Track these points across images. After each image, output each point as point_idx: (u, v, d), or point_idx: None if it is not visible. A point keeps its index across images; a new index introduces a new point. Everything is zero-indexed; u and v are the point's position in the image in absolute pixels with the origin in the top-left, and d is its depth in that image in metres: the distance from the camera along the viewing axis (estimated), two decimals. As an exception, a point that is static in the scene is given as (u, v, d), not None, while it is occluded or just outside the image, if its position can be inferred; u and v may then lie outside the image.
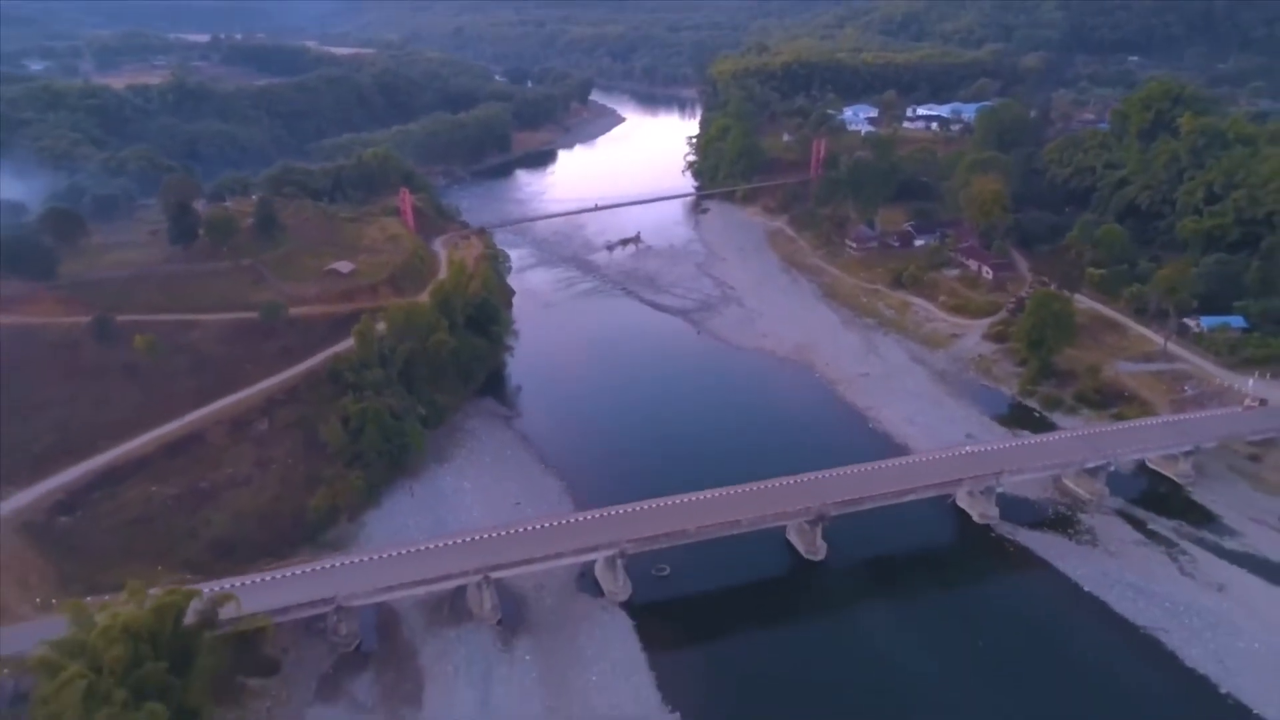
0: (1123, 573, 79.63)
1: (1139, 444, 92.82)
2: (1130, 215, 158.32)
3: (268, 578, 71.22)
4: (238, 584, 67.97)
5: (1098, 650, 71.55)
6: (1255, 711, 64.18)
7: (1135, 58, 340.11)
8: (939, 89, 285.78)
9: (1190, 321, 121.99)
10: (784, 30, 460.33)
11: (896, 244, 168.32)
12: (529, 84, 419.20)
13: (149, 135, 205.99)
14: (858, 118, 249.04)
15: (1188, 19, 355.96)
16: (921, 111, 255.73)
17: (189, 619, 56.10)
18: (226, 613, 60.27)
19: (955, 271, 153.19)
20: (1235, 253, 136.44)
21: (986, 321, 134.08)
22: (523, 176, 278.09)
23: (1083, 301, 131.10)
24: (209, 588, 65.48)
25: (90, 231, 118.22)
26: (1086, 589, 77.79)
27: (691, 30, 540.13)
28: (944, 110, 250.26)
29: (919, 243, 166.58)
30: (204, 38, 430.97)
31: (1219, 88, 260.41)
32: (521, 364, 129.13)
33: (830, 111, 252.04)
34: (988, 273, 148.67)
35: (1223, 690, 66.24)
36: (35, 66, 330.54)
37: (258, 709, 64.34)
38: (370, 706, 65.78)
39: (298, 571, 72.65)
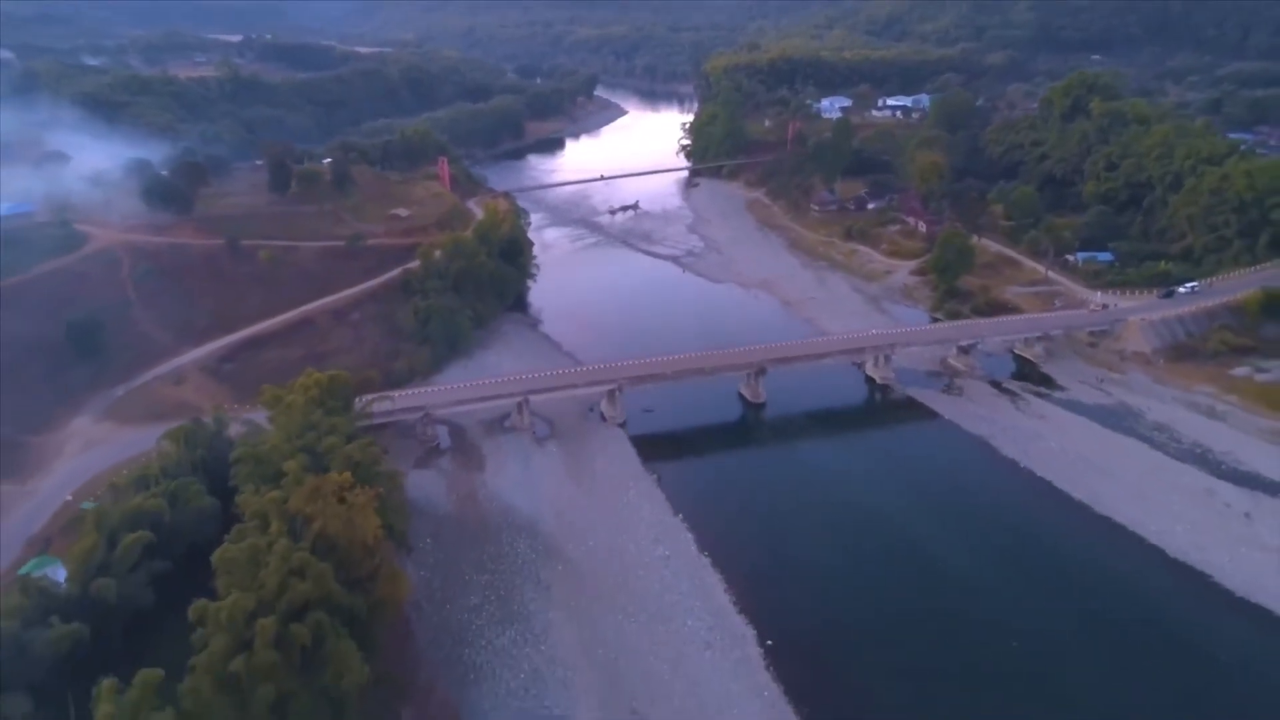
0: (976, 410, 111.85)
1: (1000, 331, 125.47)
2: (1048, 183, 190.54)
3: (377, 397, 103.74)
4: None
5: (948, 450, 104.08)
6: (1039, 475, 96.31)
7: (1097, 56, 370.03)
8: (909, 82, 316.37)
9: (1071, 257, 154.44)
10: (778, 30, 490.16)
11: (852, 207, 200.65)
12: (538, 80, 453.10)
13: (214, 117, 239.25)
14: (832, 107, 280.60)
15: (1146, 20, 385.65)
16: (890, 102, 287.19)
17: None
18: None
19: (897, 227, 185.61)
20: (1124, 210, 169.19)
21: (915, 262, 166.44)
22: (534, 159, 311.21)
23: (993, 246, 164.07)
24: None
25: (207, 183, 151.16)
26: (948, 418, 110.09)
27: (691, 31, 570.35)
28: (909, 101, 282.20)
29: (871, 206, 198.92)
30: (236, 37, 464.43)
31: (1162, 81, 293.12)
32: (541, 298, 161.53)
33: (808, 101, 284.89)
34: (923, 227, 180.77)
35: (1022, 465, 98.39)
36: (91, 61, 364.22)
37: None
38: (451, 471, 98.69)
39: (398, 394, 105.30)
